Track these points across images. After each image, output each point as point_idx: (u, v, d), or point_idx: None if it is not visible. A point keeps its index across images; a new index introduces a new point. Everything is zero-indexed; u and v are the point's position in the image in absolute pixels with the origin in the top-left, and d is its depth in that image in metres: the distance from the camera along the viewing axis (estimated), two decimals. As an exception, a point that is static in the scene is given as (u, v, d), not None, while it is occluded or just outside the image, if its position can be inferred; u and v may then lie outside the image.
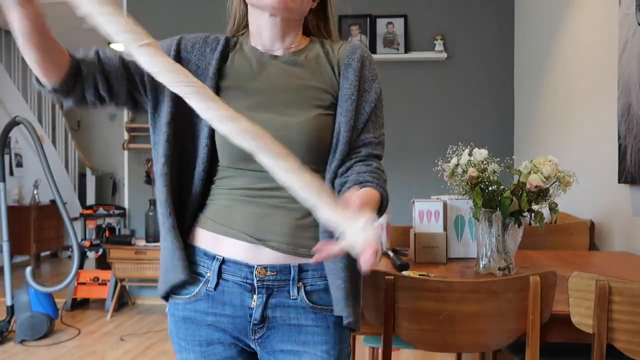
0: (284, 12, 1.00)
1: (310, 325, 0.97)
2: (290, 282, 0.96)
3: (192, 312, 0.98)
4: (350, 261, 0.94)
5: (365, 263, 0.73)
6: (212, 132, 0.99)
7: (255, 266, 0.95)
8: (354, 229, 0.75)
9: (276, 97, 1.00)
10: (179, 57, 1.03)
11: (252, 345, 1.00)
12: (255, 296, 0.95)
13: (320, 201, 0.78)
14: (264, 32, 1.04)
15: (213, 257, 0.97)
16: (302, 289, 0.96)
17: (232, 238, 0.96)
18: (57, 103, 1.03)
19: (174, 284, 0.98)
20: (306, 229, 0.97)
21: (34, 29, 0.92)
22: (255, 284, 0.95)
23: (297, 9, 1.02)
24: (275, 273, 0.95)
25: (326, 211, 0.77)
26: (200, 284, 0.97)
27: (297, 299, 0.96)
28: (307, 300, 0.96)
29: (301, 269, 0.96)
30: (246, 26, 1.10)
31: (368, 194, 0.89)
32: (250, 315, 0.96)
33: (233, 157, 0.98)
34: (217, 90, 1.02)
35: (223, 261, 0.96)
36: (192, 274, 0.98)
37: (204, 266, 0.98)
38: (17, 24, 0.89)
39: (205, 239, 0.99)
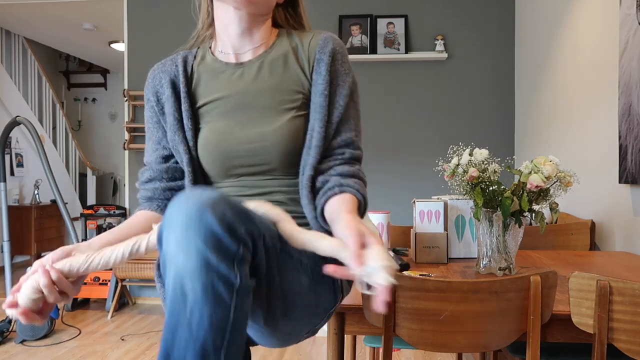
0: (249, 6, 0.99)
1: None
2: None
3: None
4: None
5: (380, 303, 0.73)
6: (194, 151, 1.03)
7: None
8: (372, 266, 0.75)
9: (249, 107, 1.00)
10: (162, 111, 1.07)
11: None
12: None
13: (343, 252, 0.79)
14: (230, 29, 1.03)
15: None
16: None
17: None
18: None
19: None
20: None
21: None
22: None
23: (262, 3, 1.01)
24: None
25: (348, 257, 0.78)
26: None
27: None
28: None
29: None
30: (212, 24, 1.09)
31: (351, 212, 0.91)
32: None
33: (215, 172, 1.02)
34: (195, 114, 1.04)
35: None
36: None
37: None
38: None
39: None
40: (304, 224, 1.01)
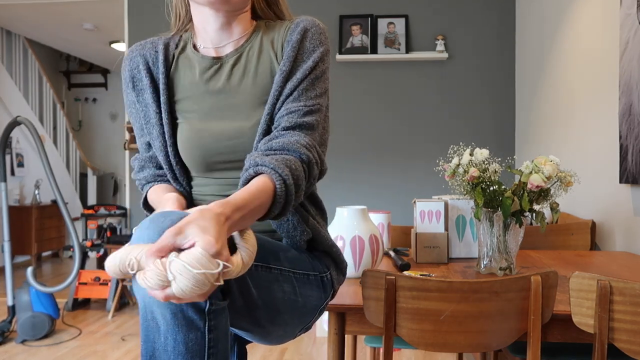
0: (223, 5, 0.97)
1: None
2: None
3: None
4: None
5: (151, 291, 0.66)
6: (170, 147, 1.01)
7: None
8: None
9: (226, 102, 0.99)
10: (139, 99, 1.04)
11: None
12: None
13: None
14: (208, 26, 1.01)
15: None
16: None
17: None
18: None
19: None
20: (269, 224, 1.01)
21: None
22: None
23: (235, 1, 0.98)
24: None
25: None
26: None
27: None
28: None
29: None
30: (190, 21, 1.08)
31: (235, 199, 0.78)
32: None
33: (196, 169, 1.01)
34: (172, 105, 1.02)
35: None
36: None
37: None
38: None
39: None
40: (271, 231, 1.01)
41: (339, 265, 1.09)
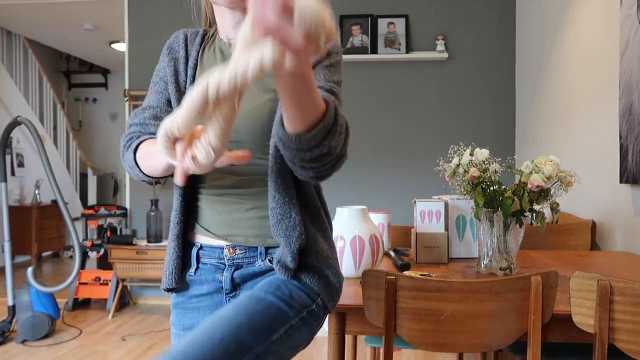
0: (239, 4, 1.03)
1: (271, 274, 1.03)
2: (258, 257, 1.02)
3: (179, 298, 1.08)
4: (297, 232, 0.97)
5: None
6: None
7: (225, 246, 1.02)
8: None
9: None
10: (170, 60, 1.09)
11: None
12: (224, 272, 1.03)
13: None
14: (225, 24, 1.07)
15: (193, 245, 1.06)
16: (267, 261, 1.02)
17: (203, 235, 1.05)
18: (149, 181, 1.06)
19: (167, 287, 1.08)
20: (268, 220, 1.01)
21: None
22: (226, 262, 1.03)
23: None
24: (244, 251, 1.02)
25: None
26: (184, 271, 1.07)
27: (262, 266, 1.02)
28: (270, 263, 1.02)
29: (268, 249, 1.02)
30: (214, 22, 1.14)
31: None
32: (222, 287, 1.04)
33: None
34: (193, 80, 1.07)
35: (200, 247, 1.05)
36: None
37: (187, 254, 1.07)
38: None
39: (188, 234, 1.08)
40: (264, 217, 1.01)
41: (333, 287, 1.03)
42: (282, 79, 0.71)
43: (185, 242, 1.07)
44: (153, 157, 0.94)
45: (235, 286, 1.03)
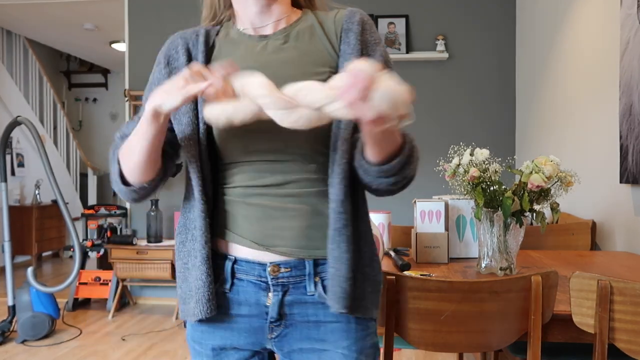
0: None
1: (329, 322, 0.91)
2: (307, 278, 0.91)
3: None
4: (356, 247, 0.90)
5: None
6: (208, 130, 0.93)
7: (268, 264, 0.90)
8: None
9: (271, 79, 0.87)
10: (170, 73, 0.98)
11: (269, 346, 0.95)
12: (270, 294, 0.91)
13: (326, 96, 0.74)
14: (248, 9, 0.98)
15: (225, 257, 0.93)
16: (320, 284, 0.91)
17: (239, 245, 0.92)
18: (129, 199, 0.97)
19: (200, 318, 0.92)
20: (317, 228, 0.91)
21: (159, 142, 0.89)
22: (270, 282, 0.91)
23: None
24: (289, 269, 0.90)
25: (334, 102, 0.73)
26: (216, 286, 0.93)
27: (314, 294, 0.91)
28: (324, 295, 0.90)
29: (317, 262, 0.91)
30: (227, 9, 1.04)
31: None
32: (267, 314, 0.92)
33: (232, 154, 0.92)
34: None
35: (235, 261, 0.92)
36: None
37: (217, 267, 0.93)
38: (154, 135, 0.86)
39: (214, 242, 0.94)
40: (324, 224, 0.91)
41: (378, 297, 0.98)
42: (368, 134, 0.78)
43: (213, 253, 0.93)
44: (132, 146, 0.88)
45: (282, 315, 0.92)
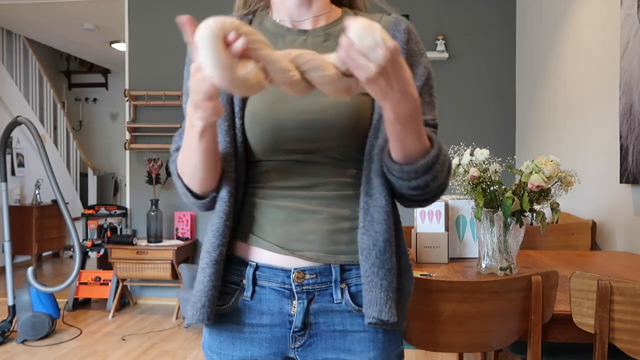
0: None
1: (356, 331, 0.87)
2: (333, 284, 0.86)
3: (227, 324, 0.89)
4: (396, 257, 0.87)
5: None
6: (237, 116, 0.89)
7: (292, 270, 0.86)
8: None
9: None
10: None
11: (292, 355, 0.90)
12: (295, 302, 0.86)
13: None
14: (287, 2, 0.94)
15: (246, 264, 0.89)
16: (347, 291, 0.86)
17: (262, 249, 0.88)
18: (203, 210, 0.93)
19: (194, 322, 0.87)
20: (343, 232, 0.87)
21: (213, 151, 0.85)
22: (294, 289, 0.86)
23: None
24: (314, 275, 0.86)
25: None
26: (236, 293, 0.89)
27: (341, 302, 0.86)
28: (352, 303, 0.86)
29: (343, 268, 0.87)
30: (260, 0, 1.01)
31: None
32: (291, 323, 0.87)
33: (263, 150, 0.89)
34: None
35: (257, 267, 0.88)
36: (227, 283, 0.89)
37: (237, 274, 0.89)
38: (205, 148, 0.82)
39: (236, 246, 0.90)
40: (350, 228, 0.88)
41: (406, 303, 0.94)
42: (389, 124, 0.76)
43: (230, 257, 0.89)
44: (188, 159, 0.85)
45: (307, 324, 0.87)
